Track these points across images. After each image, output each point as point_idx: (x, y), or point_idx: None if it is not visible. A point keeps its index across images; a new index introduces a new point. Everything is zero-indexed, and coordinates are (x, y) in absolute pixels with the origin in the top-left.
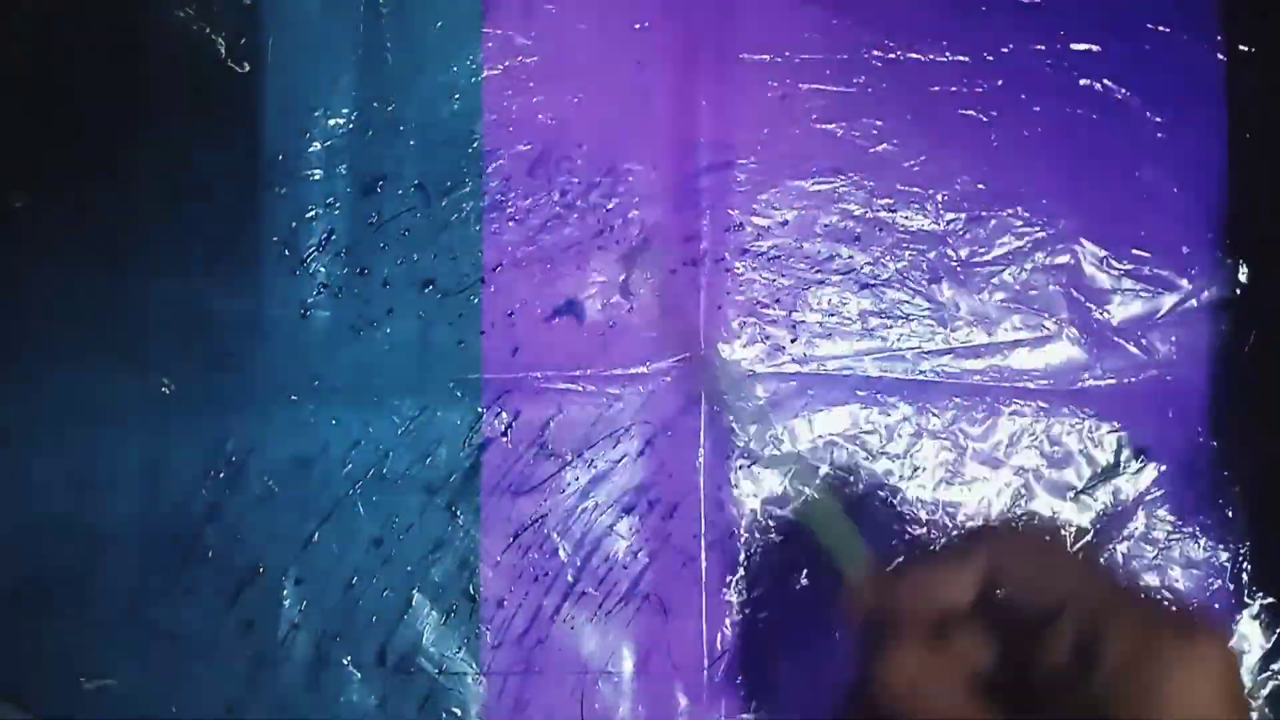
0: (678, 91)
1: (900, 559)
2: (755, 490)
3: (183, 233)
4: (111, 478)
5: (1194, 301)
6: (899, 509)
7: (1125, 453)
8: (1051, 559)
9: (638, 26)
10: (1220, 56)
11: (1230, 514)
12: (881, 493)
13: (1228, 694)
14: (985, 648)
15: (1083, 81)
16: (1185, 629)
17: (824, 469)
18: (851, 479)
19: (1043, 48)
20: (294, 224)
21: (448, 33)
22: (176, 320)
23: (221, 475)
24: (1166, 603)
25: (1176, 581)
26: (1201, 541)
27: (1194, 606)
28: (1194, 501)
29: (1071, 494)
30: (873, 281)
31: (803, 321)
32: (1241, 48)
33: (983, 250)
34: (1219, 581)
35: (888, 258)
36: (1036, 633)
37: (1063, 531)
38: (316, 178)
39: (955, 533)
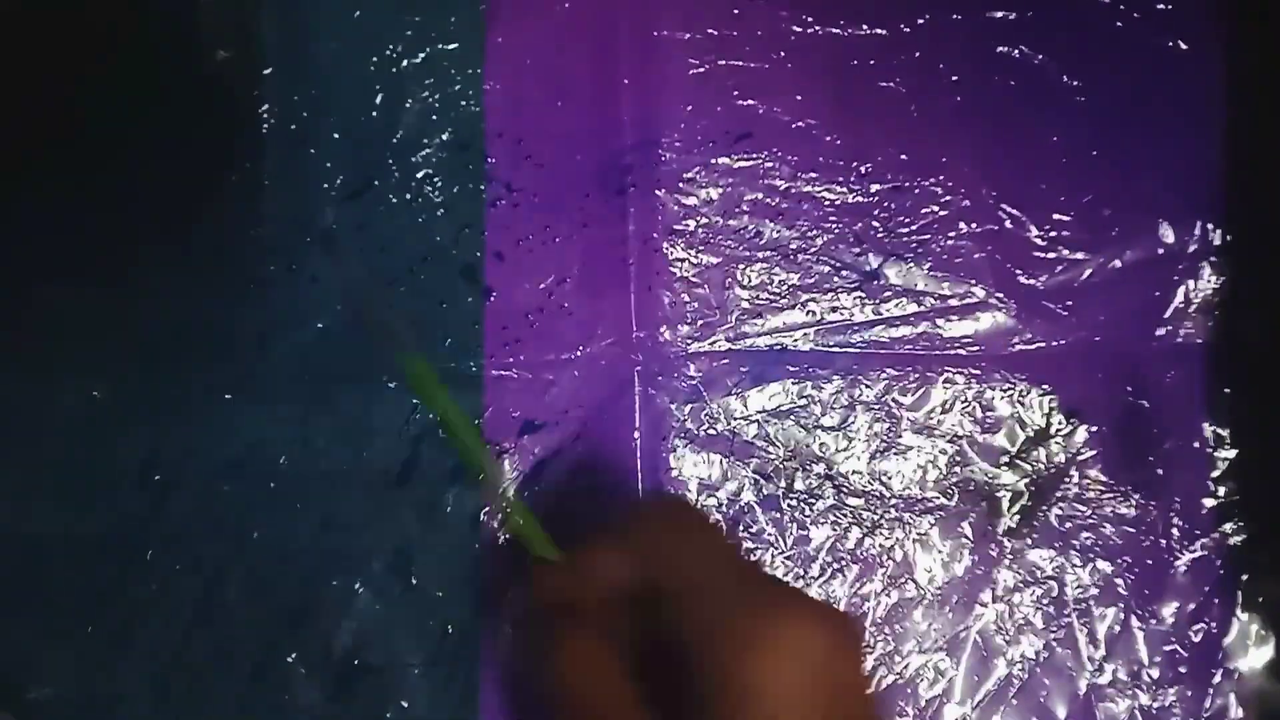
0: (598, 71)
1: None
2: (693, 472)
3: (108, 237)
4: (47, 487)
5: (1118, 262)
6: (836, 482)
7: (1056, 415)
8: (681, 538)
9: (556, 7)
10: (1135, 15)
11: (1161, 472)
12: (817, 466)
13: (813, 681)
14: (643, 632)
15: (999, 49)
16: (769, 609)
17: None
18: None
19: (959, 17)
20: (216, 224)
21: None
22: (102, 325)
23: (158, 479)
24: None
25: (1111, 540)
26: (1134, 500)
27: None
28: (1125, 461)
29: (1005, 458)
30: (800, 256)
31: (733, 299)
32: (1160, 6)
33: (907, 220)
34: (1150, 539)
35: (814, 231)
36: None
37: (696, 511)
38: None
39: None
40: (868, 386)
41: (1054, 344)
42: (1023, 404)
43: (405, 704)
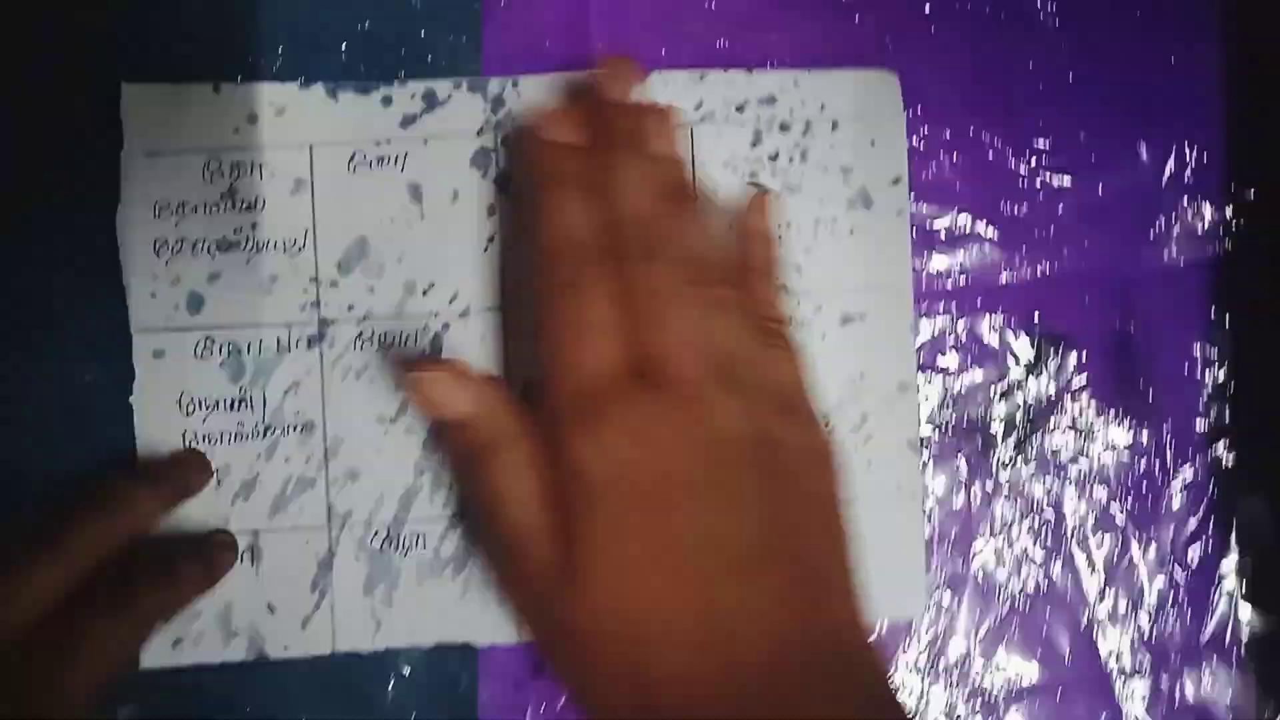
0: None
1: None
2: None
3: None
4: (34, 475)
5: (1101, 187)
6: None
7: (1046, 344)
8: None
9: None
10: None
11: (1152, 396)
12: None
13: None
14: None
15: None
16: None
17: None
18: None
19: None
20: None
21: None
22: (93, 306)
23: None
24: None
25: (1105, 466)
26: (1125, 423)
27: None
28: (1115, 386)
29: (996, 390)
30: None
31: None
32: None
33: None
34: (1144, 463)
35: None
36: None
37: None
38: None
39: None
40: None
41: (1040, 273)
42: (1011, 335)
43: (404, 704)
